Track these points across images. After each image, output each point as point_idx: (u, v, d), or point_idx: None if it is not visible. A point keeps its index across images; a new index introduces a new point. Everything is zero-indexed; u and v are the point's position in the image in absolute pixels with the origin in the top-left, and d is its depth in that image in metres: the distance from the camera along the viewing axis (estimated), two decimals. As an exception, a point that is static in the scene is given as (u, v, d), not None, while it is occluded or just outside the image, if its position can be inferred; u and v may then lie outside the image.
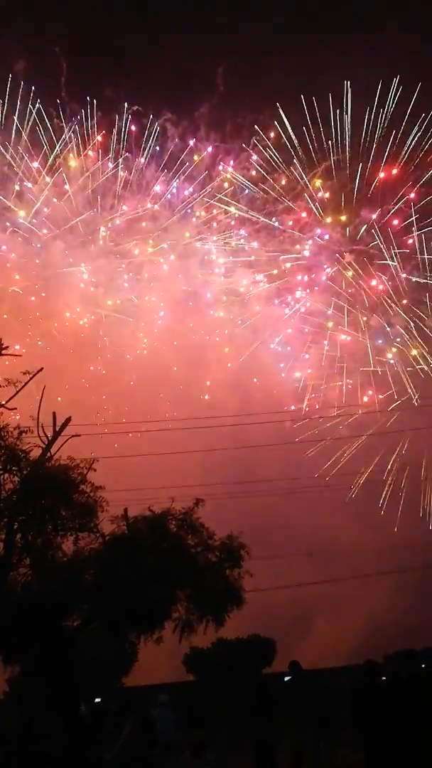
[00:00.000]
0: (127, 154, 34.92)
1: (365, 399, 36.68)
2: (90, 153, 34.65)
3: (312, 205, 35.69)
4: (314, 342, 37.85)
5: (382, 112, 32.39)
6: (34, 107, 32.00)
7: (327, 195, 35.57)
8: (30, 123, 32.33)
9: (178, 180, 35.87)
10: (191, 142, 34.96)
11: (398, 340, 36.58)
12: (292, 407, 36.40)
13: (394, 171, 34.17)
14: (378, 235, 35.17)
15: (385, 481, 34.35)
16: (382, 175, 34.15)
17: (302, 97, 31.34)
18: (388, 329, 36.78)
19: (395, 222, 35.14)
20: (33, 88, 31.51)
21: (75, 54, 33.94)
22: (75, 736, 10.88)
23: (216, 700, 21.38)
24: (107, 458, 17.80)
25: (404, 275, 35.65)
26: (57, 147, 33.25)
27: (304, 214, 36.23)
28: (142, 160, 35.10)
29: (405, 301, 35.83)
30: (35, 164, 33.58)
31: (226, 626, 17.33)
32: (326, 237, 36.85)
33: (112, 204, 35.99)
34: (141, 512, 16.86)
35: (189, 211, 36.74)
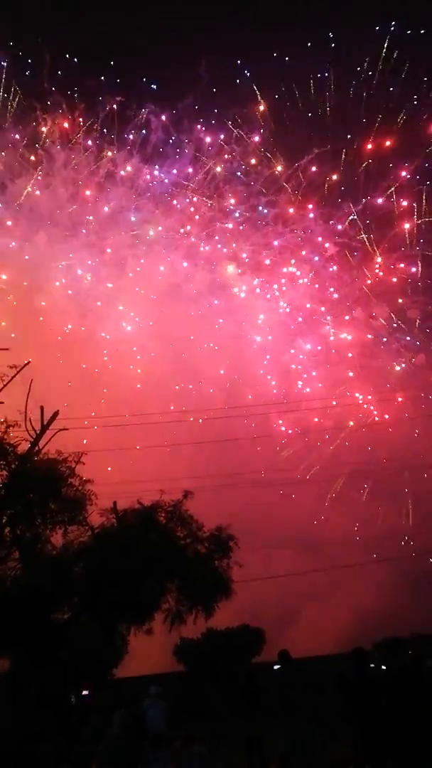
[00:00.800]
0: (112, 150, 34.68)
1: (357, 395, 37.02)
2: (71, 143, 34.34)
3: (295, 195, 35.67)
4: (301, 335, 38.02)
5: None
6: (15, 99, 31.68)
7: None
8: (12, 114, 32.02)
9: (161, 171, 35.69)
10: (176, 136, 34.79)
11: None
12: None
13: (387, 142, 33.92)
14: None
15: (371, 473, 34.70)
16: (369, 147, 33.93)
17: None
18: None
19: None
20: (13, 81, 31.26)
21: (58, 46, 33.59)
22: (64, 732, 10.92)
23: (206, 690, 21.54)
24: (96, 452, 17.77)
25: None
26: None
27: (292, 210, 36.23)
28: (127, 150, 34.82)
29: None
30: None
31: (216, 616, 17.46)
32: (309, 231, 36.91)
33: (97, 196, 35.79)
34: (130, 505, 16.89)
35: (175, 202, 36.60)
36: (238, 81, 34.77)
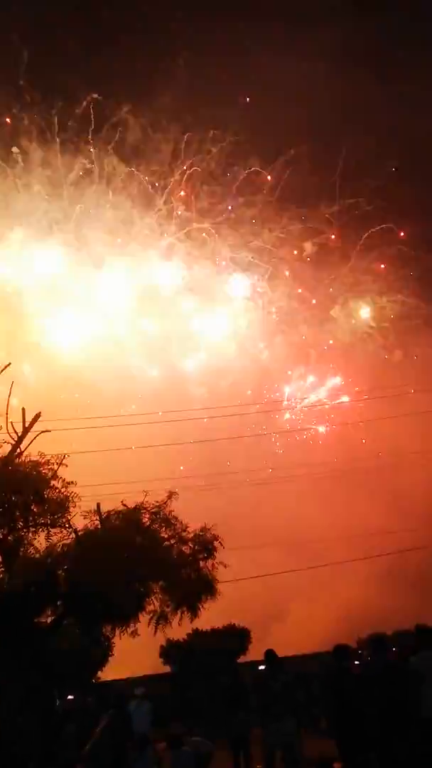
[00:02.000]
0: (88, 148, 34.52)
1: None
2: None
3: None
4: (280, 332, 38.20)
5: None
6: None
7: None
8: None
9: (138, 170, 35.62)
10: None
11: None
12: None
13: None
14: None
15: (355, 470, 34.93)
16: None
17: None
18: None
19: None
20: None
21: (35, 42, 33.33)
22: (49, 736, 10.85)
23: (192, 690, 21.55)
24: (78, 453, 17.68)
25: None
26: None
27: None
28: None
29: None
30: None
31: (201, 617, 17.45)
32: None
33: (72, 195, 35.57)
34: (114, 507, 16.81)
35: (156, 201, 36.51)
36: (215, 80, 34.84)
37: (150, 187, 36.28)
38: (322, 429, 37.73)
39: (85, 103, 33.40)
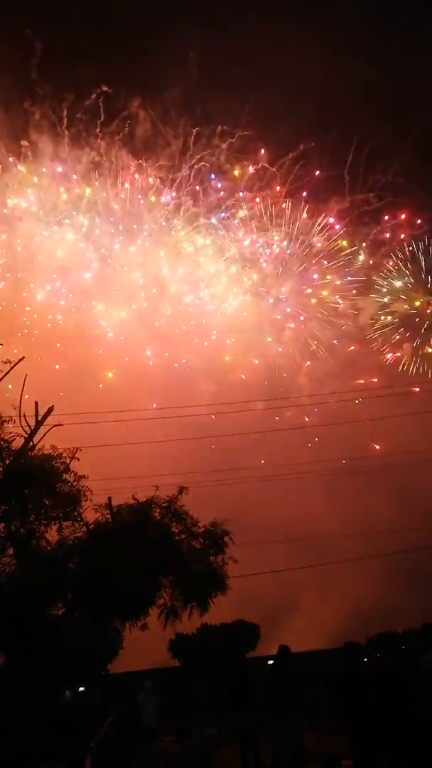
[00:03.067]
0: (97, 141, 34.47)
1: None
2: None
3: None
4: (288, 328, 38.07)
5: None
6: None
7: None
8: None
9: (147, 164, 35.53)
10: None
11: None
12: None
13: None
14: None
15: (366, 466, 34.81)
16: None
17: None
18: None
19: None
20: None
21: (47, 36, 33.34)
22: (57, 729, 10.93)
23: (201, 685, 21.62)
24: (91, 447, 17.75)
25: None
26: None
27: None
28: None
29: None
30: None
31: (211, 612, 17.48)
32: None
33: (82, 187, 35.55)
34: (125, 501, 16.87)
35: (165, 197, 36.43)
36: (225, 75, 34.68)
37: (159, 181, 36.20)
38: (333, 425, 37.56)
39: (94, 96, 33.38)
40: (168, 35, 37.19)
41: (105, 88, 33.44)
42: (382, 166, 35.89)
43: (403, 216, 36.48)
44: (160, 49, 36.73)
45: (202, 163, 35.95)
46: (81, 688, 15.18)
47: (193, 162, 36.04)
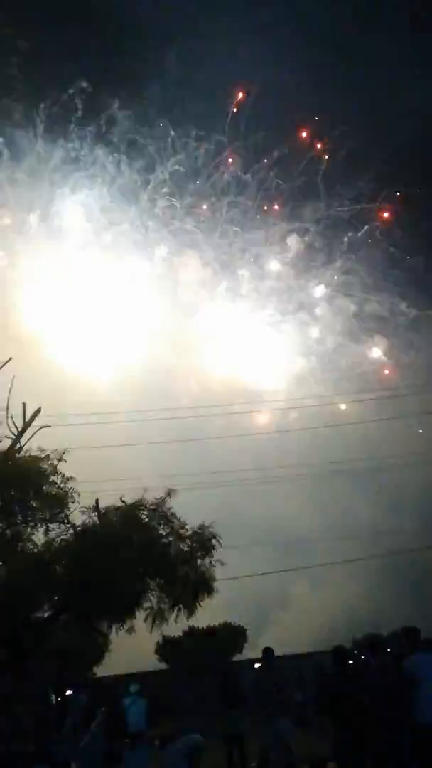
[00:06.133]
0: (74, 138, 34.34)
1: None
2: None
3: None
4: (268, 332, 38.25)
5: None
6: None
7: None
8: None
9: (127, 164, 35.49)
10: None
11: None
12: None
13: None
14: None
15: (348, 470, 34.94)
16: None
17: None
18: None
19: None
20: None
21: (30, 34, 33.23)
22: (43, 732, 10.87)
23: (188, 688, 21.60)
24: (78, 449, 17.68)
25: None
26: None
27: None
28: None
29: None
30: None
31: (198, 615, 17.45)
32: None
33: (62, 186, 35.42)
34: (113, 503, 16.81)
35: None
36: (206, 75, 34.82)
37: (138, 181, 36.15)
38: (319, 429, 37.74)
39: (72, 91, 33.20)
40: (150, 34, 37.23)
41: (84, 85, 33.33)
42: (358, 172, 36.15)
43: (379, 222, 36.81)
44: (141, 48, 36.72)
45: (177, 167, 35.98)
46: (68, 692, 15.09)
47: (169, 164, 36.07)
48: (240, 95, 35.23)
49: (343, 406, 37.88)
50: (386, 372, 39.12)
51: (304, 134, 35.22)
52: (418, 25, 36.54)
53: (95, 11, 36.41)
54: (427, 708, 7.47)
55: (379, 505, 35.28)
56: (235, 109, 35.17)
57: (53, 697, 15.45)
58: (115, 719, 10.80)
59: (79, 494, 16.06)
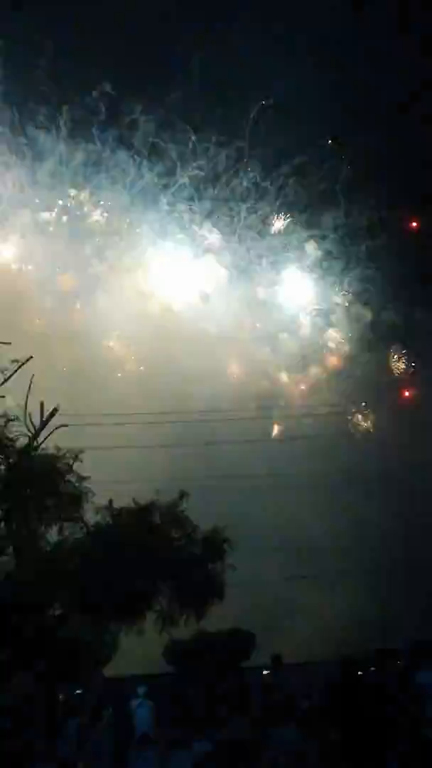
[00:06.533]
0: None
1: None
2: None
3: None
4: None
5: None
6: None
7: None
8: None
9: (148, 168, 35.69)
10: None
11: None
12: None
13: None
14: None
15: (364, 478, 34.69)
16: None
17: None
18: None
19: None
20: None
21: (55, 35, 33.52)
22: (50, 731, 10.95)
23: (195, 692, 21.54)
24: (94, 449, 17.81)
25: None
26: None
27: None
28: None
29: None
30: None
31: (207, 619, 17.47)
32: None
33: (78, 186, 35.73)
34: (126, 504, 16.91)
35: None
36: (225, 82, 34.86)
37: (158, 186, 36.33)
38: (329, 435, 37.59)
39: (96, 94, 33.56)
40: (173, 39, 37.39)
41: (106, 88, 33.66)
42: (378, 180, 35.92)
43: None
44: (164, 53, 36.85)
45: (198, 172, 36.11)
46: (77, 691, 15.17)
47: (189, 168, 36.22)
48: (262, 102, 35.24)
49: (357, 415, 37.65)
50: (401, 381, 38.82)
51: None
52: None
53: (120, 15, 36.66)
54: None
55: (394, 514, 34.97)
56: (256, 116, 35.19)
57: (60, 696, 15.53)
58: (122, 721, 10.82)
59: (93, 494, 16.20)
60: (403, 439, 35.06)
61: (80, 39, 34.97)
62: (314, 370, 38.50)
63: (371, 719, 7.75)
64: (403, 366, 38.24)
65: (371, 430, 36.99)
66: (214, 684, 20.36)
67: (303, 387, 38.38)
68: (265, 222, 37.11)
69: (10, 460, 15.68)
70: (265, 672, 13.31)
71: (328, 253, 37.52)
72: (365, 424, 37.31)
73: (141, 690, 14.04)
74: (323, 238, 37.31)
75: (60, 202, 35.88)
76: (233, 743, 11.74)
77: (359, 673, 10.14)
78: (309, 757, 11.44)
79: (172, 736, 10.30)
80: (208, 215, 37.05)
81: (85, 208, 36.44)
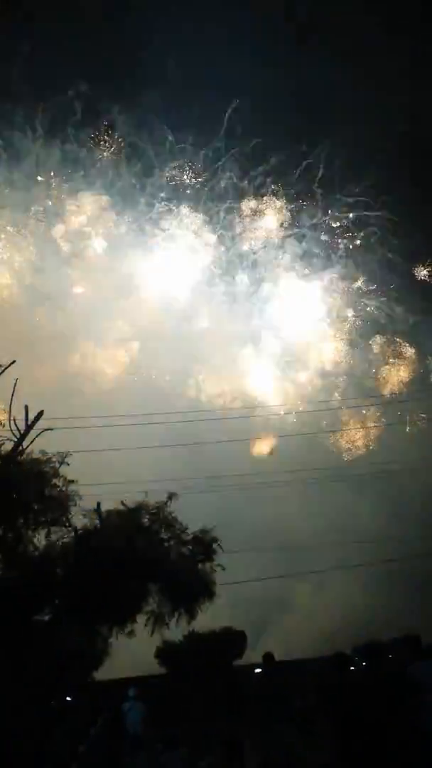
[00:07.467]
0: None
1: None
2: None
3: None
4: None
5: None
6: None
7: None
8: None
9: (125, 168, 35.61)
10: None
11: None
12: None
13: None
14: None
15: (354, 475, 34.92)
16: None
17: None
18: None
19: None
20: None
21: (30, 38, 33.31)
22: (43, 735, 10.86)
23: (187, 692, 21.50)
24: (80, 452, 17.69)
25: None
26: None
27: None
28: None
29: None
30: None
31: (198, 619, 17.43)
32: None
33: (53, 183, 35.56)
34: (114, 506, 16.83)
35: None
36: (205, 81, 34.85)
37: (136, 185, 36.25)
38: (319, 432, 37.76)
39: (72, 94, 33.40)
40: (150, 39, 37.29)
41: (83, 88, 33.49)
42: (356, 179, 36.21)
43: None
44: (141, 52, 36.77)
45: (174, 174, 36.12)
46: (68, 696, 15.08)
47: (167, 169, 36.23)
48: (238, 101, 35.30)
49: (341, 411, 37.89)
50: (384, 377, 39.12)
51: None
52: (418, 26, 36.47)
53: (96, 15, 36.48)
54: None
55: (382, 511, 35.20)
56: (232, 116, 35.26)
57: (52, 701, 15.41)
58: (115, 724, 10.77)
59: (80, 497, 16.09)
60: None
61: (56, 39, 34.83)
62: (298, 368, 38.64)
63: (366, 715, 7.76)
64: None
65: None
66: (206, 684, 20.36)
67: (288, 384, 38.53)
68: (244, 220, 37.24)
69: (-5, 465, 15.52)
70: (257, 670, 13.30)
71: (306, 252, 37.72)
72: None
73: (131, 692, 13.98)
74: (302, 236, 37.52)
75: (36, 203, 35.78)
76: (227, 742, 11.72)
77: (351, 668, 10.17)
78: (304, 755, 11.48)
79: (164, 736, 10.26)
80: (187, 215, 37.09)
81: (64, 209, 36.33)
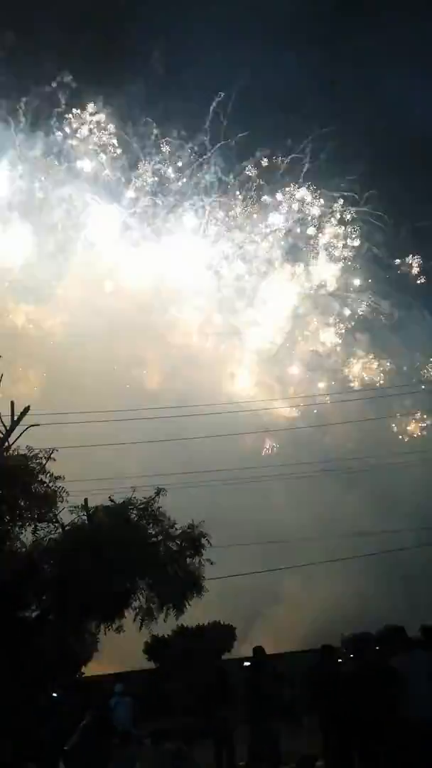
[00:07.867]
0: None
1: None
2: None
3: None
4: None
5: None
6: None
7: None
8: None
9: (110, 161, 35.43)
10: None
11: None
12: None
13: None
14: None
15: (340, 470, 35.10)
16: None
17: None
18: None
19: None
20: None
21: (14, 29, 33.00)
22: (30, 733, 10.79)
23: (176, 687, 21.56)
24: (67, 448, 17.59)
25: None
26: None
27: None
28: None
29: None
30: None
31: (187, 613, 17.42)
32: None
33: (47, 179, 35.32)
34: (102, 502, 16.75)
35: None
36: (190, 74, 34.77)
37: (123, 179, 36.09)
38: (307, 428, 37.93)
39: (56, 85, 33.17)
40: (135, 30, 37.08)
41: (66, 79, 33.25)
42: (342, 172, 36.38)
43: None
44: (125, 44, 36.60)
45: (157, 165, 35.96)
46: (54, 693, 15.02)
47: (152, 162, 36.08)
48: (223, 94, 35.22)
49: (328, 405, 38.06)
50: (371, 372, 39.37)
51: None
52: (404, 22, 36.69)
53: (81, 5, 36.19)
54: (419, 703, 7.51)
55: (368, 504, 35.45)
56: (218, 109, 35.18)
57: (40, 698, 15.35)
58: (102, 719, 10.72)
59: (67, 493, 16.00)
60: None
61: (40, 30, 34.51)
62: (286, 363, 38.75)
63: (352, 707, 7.80)
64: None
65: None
66: (195, 678, 20.40)
67: (275, 380, 38.63)
68: (230, 215, 37.23)
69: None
70: (246, 664, 13.33)
71: (293, 246, 37.83)
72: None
73: (118, 687, 13.96)
74: (288, 231, 37.59)
75: (21, 195, 35.50)
76: (216, 736, 11.75)
77: (339, 660, 10.22)
78: (293, 747, 11.53)
79: (153, 731, 10.24)
80: (172, 209, 37.01)
81: (48, 202, 36.07)
